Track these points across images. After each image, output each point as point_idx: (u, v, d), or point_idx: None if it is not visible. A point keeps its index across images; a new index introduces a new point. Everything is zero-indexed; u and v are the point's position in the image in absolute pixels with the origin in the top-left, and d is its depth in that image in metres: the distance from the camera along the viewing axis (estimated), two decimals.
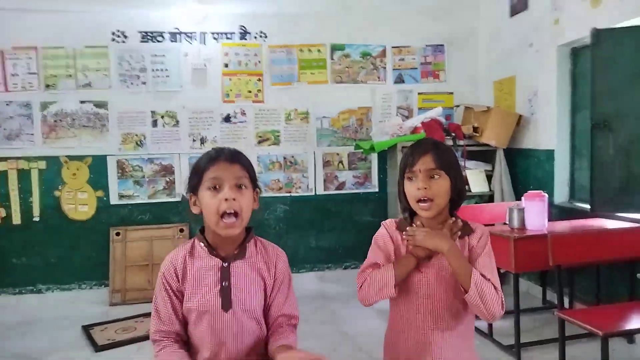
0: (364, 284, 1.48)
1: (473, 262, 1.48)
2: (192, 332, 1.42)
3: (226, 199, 1.33)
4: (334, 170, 4.97)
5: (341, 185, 4.98)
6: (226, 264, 1.40)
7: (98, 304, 4.39)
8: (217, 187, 1.35)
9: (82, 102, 4.53)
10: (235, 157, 1.40)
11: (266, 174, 4.84)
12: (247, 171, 1.41)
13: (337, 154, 4.97)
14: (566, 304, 3.37)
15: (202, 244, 1.43)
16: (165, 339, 1.39)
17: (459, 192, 1.53)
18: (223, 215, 1.34)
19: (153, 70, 4.63)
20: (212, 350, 1.38)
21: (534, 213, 3.19)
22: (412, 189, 1.49)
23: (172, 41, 4.64)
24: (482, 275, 1.43)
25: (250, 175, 1.42)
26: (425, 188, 1.46)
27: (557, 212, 3.90)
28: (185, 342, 1.43)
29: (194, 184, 1.41)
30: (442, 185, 1.48)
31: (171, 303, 1.40)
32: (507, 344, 3.20)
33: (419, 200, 1.48)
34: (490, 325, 3.37)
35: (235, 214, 1.35)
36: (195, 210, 1.41)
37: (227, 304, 1.38)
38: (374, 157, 4.99)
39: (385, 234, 1.57)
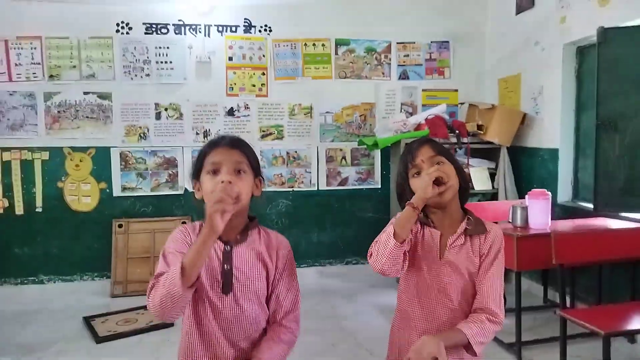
0: (373, 250, 1.47)
1: (482, 271, 1.48)
2: (188, 313, 1.41)
3: (222, 182, 1.33)
4: (336, 165, 4.97)
5: (344, 181, 4.98)
6: (228, 247, 1.40)
7: (99, 295, 4.39)
8: (216, 171, 1.37)
9: (85, 93, 4.53)
10: (235, 143, 1.42)
11: (269, 168, 4.83)
12: (247, 157, 1.42)
13: (340, 150, 4.96)
14: (567, 303, 3.37)
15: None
16: None
17: (464, 178, 1.53)
18: None
19: (157, 62, 4.62)
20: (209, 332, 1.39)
21: (538, 212, 3.19)
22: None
23: (176, 33, 4.62)
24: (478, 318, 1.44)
25: (250, 162, 1.42)
26: None
27: (560, 211, 3.90)
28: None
29: (197, 169, 1.43)
30: (449, 168, 1.49)
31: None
32: (508, 342, 3.20)
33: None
34: None
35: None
36: (198, 195, 1.43)
37: (227, 288, 1.38)
38: (377, 154, 4.98)
39: None
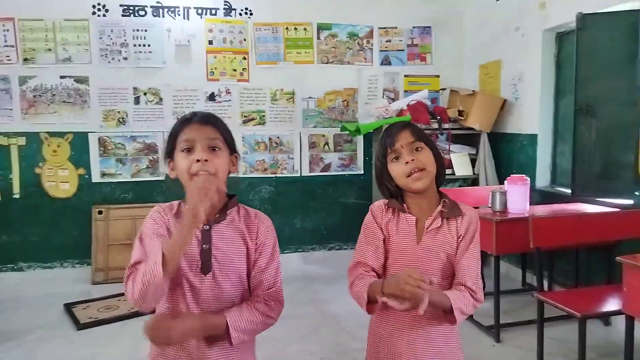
0: (352, 286, 1.49)
1: (459, 253, 1.48)
2: (168, 292, 1.37)
3: (198, 160, 1.31)
4: (319, 151, 4.96)
5: (327, 167, 4.97)
6: (207, 227, 1.37)
7: (80, 282, 4.35)
8: (190, 148, 1.34)
9: (62, 77, 4.42)
10: (208, 119, 1.39)
11: (251, 154, 4.81)
12: (221, 133, 1.38)
13: (323, 136, 4.95)
14: (545, 287, 3.44)
15: (185, 207, 1.36)
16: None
17: (441, 163, 1.53)
18: (196, 175, 1.32)
19: (135, 45, 4.52)
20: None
21: (516, 196, 3.24)
22: (400, 167, 1.47)
23: (154, 16, 4.53)
24: (462, 287, 1.45)
25: (225, 138, 1.39)
26: (413, 160, 1.46)
27: (538, 196, 3.96)
28: None
29: (170, 148, 1.40)
30: (427, 155, 1.48)
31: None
32: (487, 325, 3.26)
33: (410, 174, 1.46)
34: None
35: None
36: (172, 175, 1.39)
37: (206, 267, 1.36)
38: (359, 139, 4.99)
39: (372, 223, 1.53)
